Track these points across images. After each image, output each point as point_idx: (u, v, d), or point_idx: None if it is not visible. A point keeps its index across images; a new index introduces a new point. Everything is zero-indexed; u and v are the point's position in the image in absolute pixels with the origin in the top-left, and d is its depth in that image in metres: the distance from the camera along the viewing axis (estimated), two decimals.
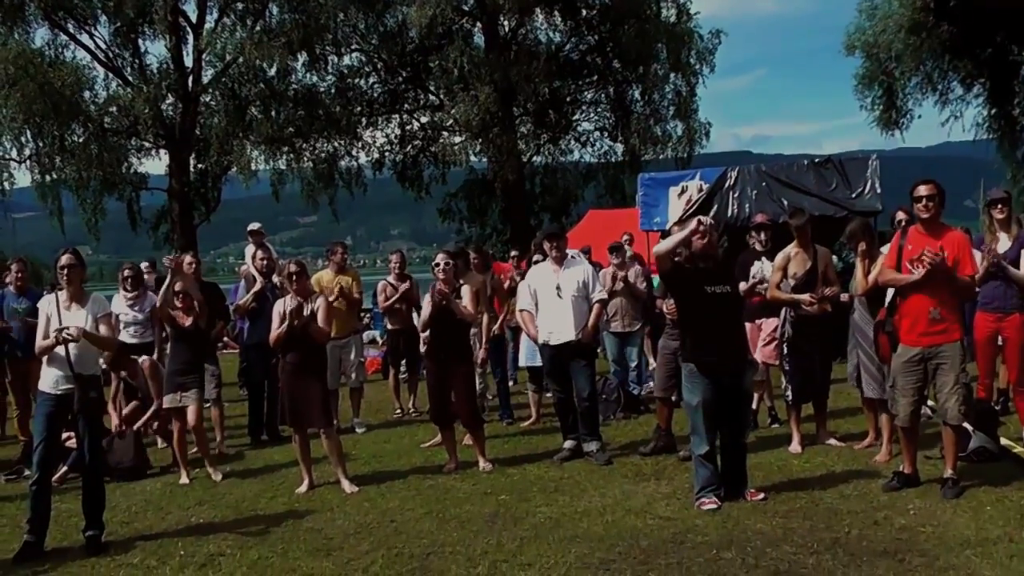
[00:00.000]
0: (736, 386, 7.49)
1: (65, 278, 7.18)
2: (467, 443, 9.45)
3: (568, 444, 9.32)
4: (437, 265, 9.20)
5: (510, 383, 12.26)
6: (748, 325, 10.55)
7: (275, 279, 11.22)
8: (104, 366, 9.17)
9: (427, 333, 9.56)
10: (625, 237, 14.46)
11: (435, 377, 9.22)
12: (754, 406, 10.27)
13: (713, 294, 7.33)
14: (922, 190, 7.27)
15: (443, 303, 8.91)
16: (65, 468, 9.04)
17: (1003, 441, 8.44)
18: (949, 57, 26.57)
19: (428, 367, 9.55)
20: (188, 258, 11.06)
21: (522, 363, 11.43)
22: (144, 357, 10.42)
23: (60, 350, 7.04)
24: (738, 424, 7.65)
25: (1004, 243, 8.58)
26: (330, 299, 10.47)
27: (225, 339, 12.15)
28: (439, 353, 9.13)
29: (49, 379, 7.14)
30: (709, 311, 7.33)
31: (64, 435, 7.88)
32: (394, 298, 12.07)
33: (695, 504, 7.27)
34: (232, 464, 9.91)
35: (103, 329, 7.26)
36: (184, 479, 9.20)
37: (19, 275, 10.57)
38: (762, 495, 7.38)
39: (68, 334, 6.96)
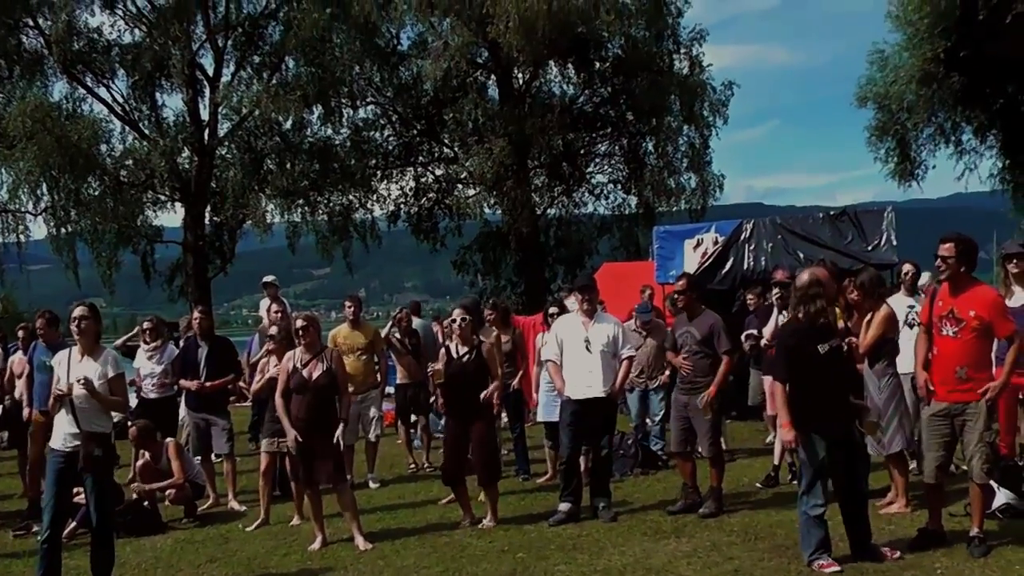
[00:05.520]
0: (848, 438, 7.15)
1: (77, 331, 7.15)
2: (481, 499, 9.29)
3: (563, 507, 9.07)
4: (454, 321, 9.11)
5: None
6: (769, 379, 10.44)
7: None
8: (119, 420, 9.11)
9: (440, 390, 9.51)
10: (647, 292, 14.34)
11: (453, 434, 9.07)
12: (776, 462, 10.14)
13: (828, 350, 6.99)
14: (940, 249, 7.14)
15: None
16: (75, 523, 8.94)
17: None
18: (961, 108, 26.51)
19: (447, 423, 9.38)
20: (196, 313, 11.08)
21: (540, 418, 11.28)
22: (168, 439, 10.28)
23: (67, 406, 7.01)
24: (855, 476, 7.23)
25: (1019, 297, 8.48)
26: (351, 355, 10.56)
27: (242, 386, 12.08)
28: (457, 409, 8.99)
29: (58, 436, 7.12)
30: (822, 370, 6.98)
31: (75, 490, 7.79)
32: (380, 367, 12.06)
33: (813, 565, 6.89)
34: (243, 520, 9.80)
35: (112, 390, 7.19)
36: (260, 520, 9.54)
37: (42, 330, 10.44)
38: (898, 553, 7.08)
39: (61, 389, 6.96)
